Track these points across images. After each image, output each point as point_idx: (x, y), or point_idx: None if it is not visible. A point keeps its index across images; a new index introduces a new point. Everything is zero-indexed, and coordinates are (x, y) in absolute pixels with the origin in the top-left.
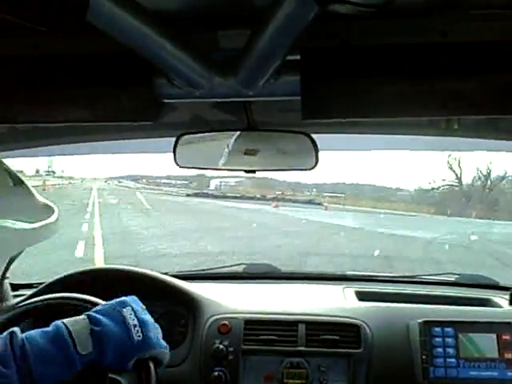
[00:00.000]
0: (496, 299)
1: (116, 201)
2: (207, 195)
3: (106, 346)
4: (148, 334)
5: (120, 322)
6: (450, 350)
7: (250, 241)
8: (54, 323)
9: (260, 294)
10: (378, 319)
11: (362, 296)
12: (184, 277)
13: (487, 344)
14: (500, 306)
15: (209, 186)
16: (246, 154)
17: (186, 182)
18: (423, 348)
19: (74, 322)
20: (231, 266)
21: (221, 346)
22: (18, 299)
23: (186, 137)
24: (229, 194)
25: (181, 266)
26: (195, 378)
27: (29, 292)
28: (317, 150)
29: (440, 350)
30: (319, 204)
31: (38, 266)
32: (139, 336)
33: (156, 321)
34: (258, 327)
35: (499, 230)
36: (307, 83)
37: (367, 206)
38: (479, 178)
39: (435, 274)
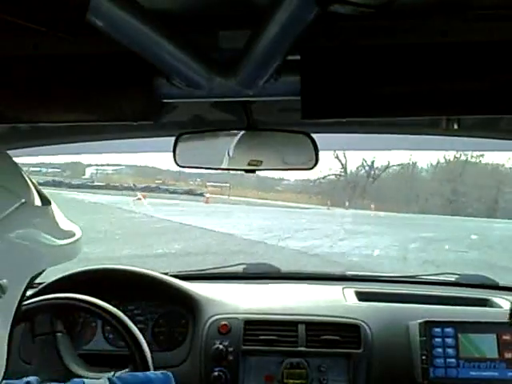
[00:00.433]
0: (496, 299)
1: None
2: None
3: None
4: None
5: None
6: (450, 350)
7: None
8: (73, 381)
9: (260, 294)
10: (378, 319)
11: (362, 296)
12: (184, 277)
13: (487, 344)
14: (500, 306)
15: (84, 175)
16: (249, 164)
17: (59, 170)
18: (423, 348)
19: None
20: (231, 266)
21: (221, 347)
22: None
23: (185, 136)
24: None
25: None
26: (195, 378)
27: (28, 292)
28: (317, 150)
29: (440, 350)
30: (200, 195)
31: None
32: None
33: (156, 321)
34: (257, 327)
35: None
36: (307, 83)
37: (252, 197)
38: (363, 168)
39: (435, 274)
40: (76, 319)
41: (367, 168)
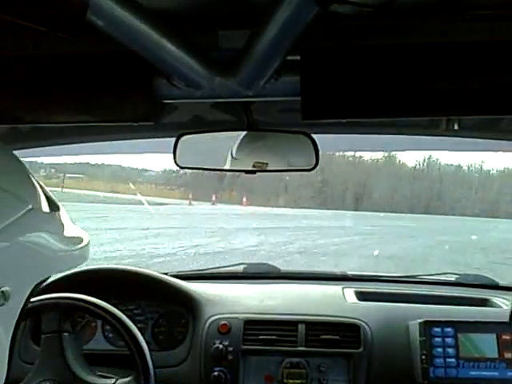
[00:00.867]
0: (496, 299)
1: None
2: None
3: None
4: None
5: None
6: (450, 350)
7: None
8: None
9: (260, 293)
10: (377, 319)
11: (362, 296)
12: (184, 277)
13: (487, 344)
14: (500, 306)
15: None
16: (254, 166)
17: None
18: (423, 348)
19: None
20: (231, 265)
21: (221, 346)
22: None
23: (186, 137)
24: None
25: None
26: (195, 378)
27: None
28: (317, 150)
29: (440, 349)
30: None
31: None
32: None
33: (156, 321)
34: (257, 327)
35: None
36: (307, 83)
37: (102, 190)
38: None
39: (435, 274)
40: (75, 319)
41: None
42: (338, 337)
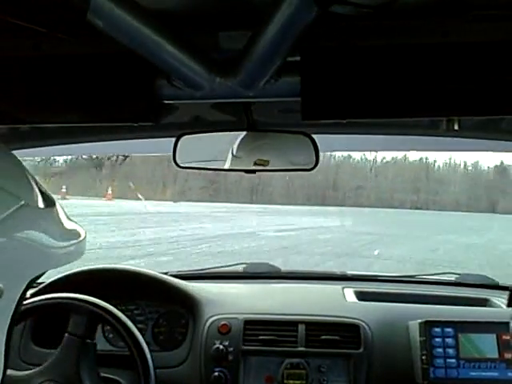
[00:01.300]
0: (496, 299)
1: None
2: None
3: None
4: None
5: None
6: (450, 351)
7: None
8: None
9: (260, 293)
10: (377, 319)
11: (362, 296)
12: (184, 277)
13: (487, 344)
14: (500, 306)
15: None
16: (255, 164)
17: None
18: (423, 348)
19: None
20: (231, 265)
21: (221, 347)
22: None
23: (185, 137)
24: None
25: None
26: (195, 378)
27: (29, 291)
28: (317, 150)
29: (440, 350)
30: None
31: None
32: None
33: (156, 321)
34: (257, 327)
35: None
36: (307, 84)
37: None
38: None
39: (435, 274)
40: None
41: None
42: (337, 337)
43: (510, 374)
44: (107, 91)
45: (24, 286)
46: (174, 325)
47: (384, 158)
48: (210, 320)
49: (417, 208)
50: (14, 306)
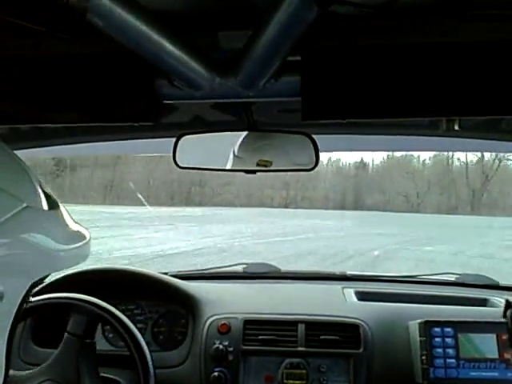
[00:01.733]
0: (496, 299)
1: None
2: None
3: None
4: None
5: None
6: (450, 351)
7: None
8: None
9: (260, 293)
10: (378, 319)
11: (362, 296)
12: (184, 277)
13: (487, 344)
14: (500, 306)
15: None
16: (258, 164)
17: None
18: (423, 348)
19: None
20: (231, 265)
21: (221, 347)
22: None
23: (186, 137)
24: None
25: None
26: (195, 378)
27: None
28: (317, 150)
29: (440, 350)
30: None
31: None
32: None
33: (156, 321)
34: (257, 327)
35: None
36: (307, 84)
37: None
38: None
39: (435, 274)
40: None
41: None
42: (337, 337)
43: (509, 374)
44: (107, 91)
45: (26, 289)
46: (174, 325)
47: None
48: (210, 320)
49: (286, 205)
50: (15, 310)
